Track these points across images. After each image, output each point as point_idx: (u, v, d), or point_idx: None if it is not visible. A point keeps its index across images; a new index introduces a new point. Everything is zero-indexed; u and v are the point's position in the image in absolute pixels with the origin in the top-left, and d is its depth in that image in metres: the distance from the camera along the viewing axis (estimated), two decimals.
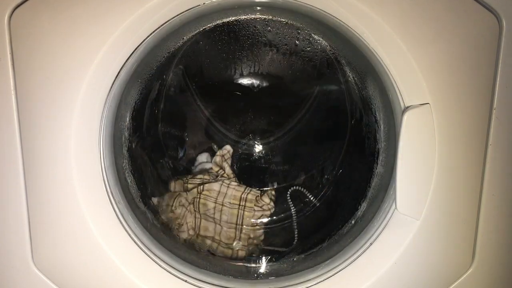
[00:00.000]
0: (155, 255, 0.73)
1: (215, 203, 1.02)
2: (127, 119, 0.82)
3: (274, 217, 1.08)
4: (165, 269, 0.73)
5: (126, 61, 0.66)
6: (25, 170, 0.67)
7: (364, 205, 0.84)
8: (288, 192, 1.07)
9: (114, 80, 0.66)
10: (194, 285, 0.73)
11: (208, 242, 1.01)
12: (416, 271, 0.71)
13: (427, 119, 0.65)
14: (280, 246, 1.02)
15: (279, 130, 1.16)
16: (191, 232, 1.00)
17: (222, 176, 1.08)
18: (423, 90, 0.65)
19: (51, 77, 0.64)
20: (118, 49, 0.65)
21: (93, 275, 0.70)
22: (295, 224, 1.04)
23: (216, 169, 1.10)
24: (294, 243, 1.01)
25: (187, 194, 1.02)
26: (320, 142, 1.12)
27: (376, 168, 0.82)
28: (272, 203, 1.06)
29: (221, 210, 1.02)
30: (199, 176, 1.07)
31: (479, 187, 0.69)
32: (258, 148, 1.17)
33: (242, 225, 1.03)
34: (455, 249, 0.71)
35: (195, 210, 1.02)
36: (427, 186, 0.67)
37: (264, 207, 1.05)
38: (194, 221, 1.02)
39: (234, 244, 1.01)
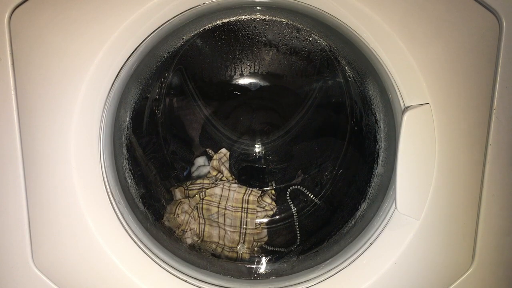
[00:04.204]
0: (155, 255, 0.73)
1: (218, 207, 1.03)
2: (127, 119, 0.82)
3: (276, 217, 1.08)
4: (165, 269, 0.73)
5: (126, 61, 0.66)
6: (25, 170, 0.67)
7: (364, 205, 0.84)
8: (288, 192, 1.07)
9: (114, 80, 0.66)
10: (194, 285, 0.73)
11: (213, 246, 1.02)
12: (416, 271, 0.71)
13: (427, 119, 0.65)
14: (282, 246, 1.02)
15: (279, 130, 1.16)
16: (195, 238, 1.01)
17: (221, 179, 1.08)
18: (423, 90, 0.65)
19: (51, 77, 0.64)
20: (118, 49, 0.65)
21: (93, 275, 0.70)
22: (297, 223, 1.04)
23: (214, 173, 1.10)
24: (297, 242, 1.01)
25: (189, 200, 1.02)
26: (320, 142, 1.12)
27: (376, 168, 0.82)
28: (274, 203, 1.06)
29: (225, 214, 1.03)
30: (199, 181, 1.07)
31: (479, 187, 0.69)
32: (258, 148, 1.17)
33: (246, 227, 1.03)
34: (455, 249, 0.71)
35: (199, 216, 1.02)
36: (427, 186, 0.67)
37: (266, 207, 1.05)
38: (198, 227, 1.02)
39: (239, 247, 1.01)
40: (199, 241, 1.01)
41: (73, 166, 0.66)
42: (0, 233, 0.69)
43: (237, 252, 1.01)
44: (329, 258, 0.78)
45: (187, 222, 1.00)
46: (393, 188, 0.68)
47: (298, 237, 1.03)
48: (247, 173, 1.11)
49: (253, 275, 0.88)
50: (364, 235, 0.75)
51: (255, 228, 1.04)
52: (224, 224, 1.03)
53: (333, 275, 0.73)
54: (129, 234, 0.71)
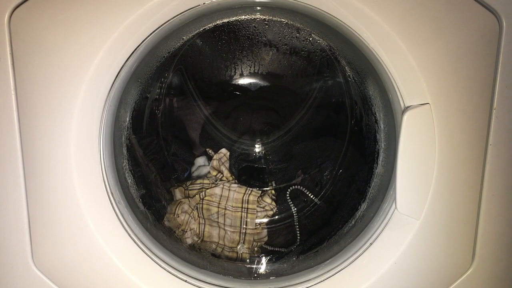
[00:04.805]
0: (155, 255, 0.73)
1: (218, 207, 1.02)
2: (127, 119, 0.82)
3: (276, 217, 1.08)
4: (165, 269, 0.73)
5: (126, 61, 0.66)
6: (25, 170, 0.67)
7: (364, 205, 0.84)
8: (288, 192, 1.07)
9: (114, 80, 0.66)
10: (194, 285, 0.73)
11: (213, 246, 1.02)
12: (416, 271, 0.71)
13: (427, 119, 0.65)
14: (282, 246, 1.02)
15: (279, 130, 1.17)
16: (195, 238, 1.01)
17: (221, 179, 1.08)
18: (423, 90, 0.65)
19: (51, 77, 0.64)
20: (118, 49, 0.65)
21: (93, 275, 0.70)
22: (297, 223, 1.04)
23: (214, 173, 1.10)
24: (297, 242, 1.01)
25: (189, 200, 1.02)
26: (320, 142, 1.12)
27: (376, 168, 0.82)
28: (274, 203, 1.06)
29: (225, 214, 1.03)
30: (199, 181, 1.07)
31: (479, 187, 0.69)
32: (258, 148, 1.17)
33: (246, 227, 1.03)
34: (455, 249, 0.71)
35: (199, 216, 1.03)
36: (427, 186, 0.67)
37: (266, 208, 1.05)
38: (198, 227, 1.02)
39: (239, 247, 1.01)
40: (199, 241, 1.01)
41: (73, 166, 0.66)
42: (0, 233, 0.69)
43: (237, 252, 1.01)
44: (329, 258, 0.78)
45: (187, 222, 1.00)
46: (393, 188, 0.68)
47: (298, 237, 1.03)
48: (247, 173, 1.11)
49: (253, 275, 0.88)
50: (364, 235, 0.75)
51: (255, 228, 1.04)
52: (224, 224, 1.03)
53: (333, 275, 0.73)
54: (129, 234, 0.71)
